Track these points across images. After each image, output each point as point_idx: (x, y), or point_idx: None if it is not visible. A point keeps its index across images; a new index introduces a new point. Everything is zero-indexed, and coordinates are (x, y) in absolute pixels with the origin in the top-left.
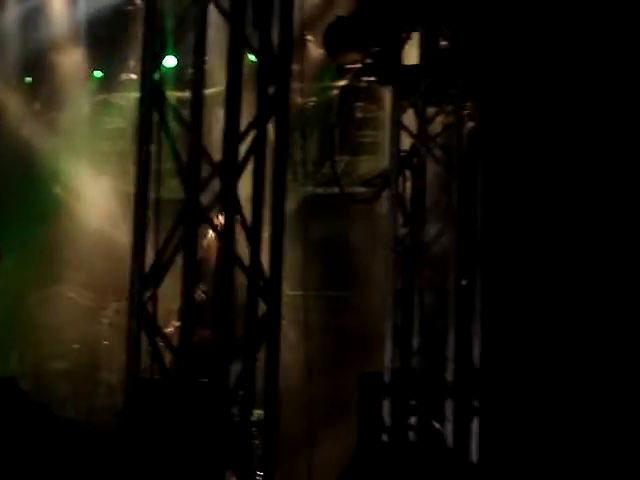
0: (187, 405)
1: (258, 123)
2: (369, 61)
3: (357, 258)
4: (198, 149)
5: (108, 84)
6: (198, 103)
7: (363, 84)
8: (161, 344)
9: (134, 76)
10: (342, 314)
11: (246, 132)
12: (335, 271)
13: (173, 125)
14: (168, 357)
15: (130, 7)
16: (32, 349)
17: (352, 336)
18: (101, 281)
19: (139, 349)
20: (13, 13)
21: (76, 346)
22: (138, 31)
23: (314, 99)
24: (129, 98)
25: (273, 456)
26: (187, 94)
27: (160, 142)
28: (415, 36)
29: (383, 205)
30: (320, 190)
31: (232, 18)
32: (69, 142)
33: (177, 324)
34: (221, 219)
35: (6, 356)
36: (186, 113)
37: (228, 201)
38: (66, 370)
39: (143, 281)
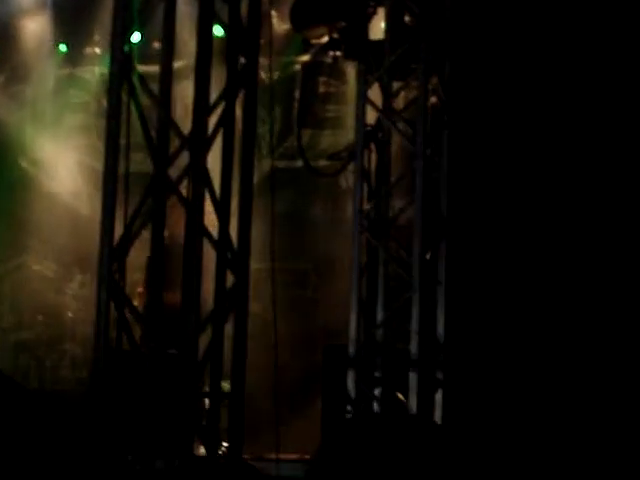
0: (156, 377)
1: (227, 96)
2: (335, 36)
3: (322, 232)
4: (167, 122)
5: (73, 58)
6: (167, 76)
7: (328, 59)
8: (129, 315)
9: (98, 50)
10: (307, 287)
11: (215, 105)
12: (300, 244)
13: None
14: (137, 329)
15: None
16: None
17: (317, 309)
18: (66, 253)
19: (108, 320)
20: None
21: (40, 317)
22: (103, 5)
23: (278, 73)
24: (94, 72)
25: (240, 428)
26: (153, 68)
27: (128, 116)
28: (381, 11)
29: (348, 179)
30: (283, 164)
31: None
32: (34, 115)
33: (140, 289)
34: None
35: None
36: (154, 87)
37: (197, 174)
38: (30, 341)
39: (112, 253)
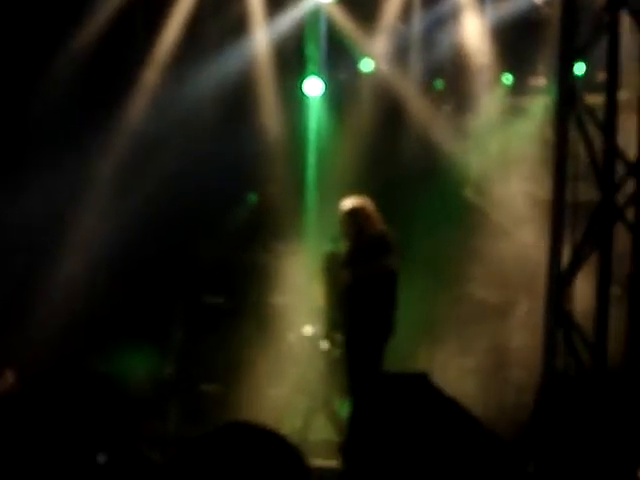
0: (603, 402)
1: None
2: None
3: None
4: (613, 149)
5: (517, 88)
6: (612, 106)
7: None
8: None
9: (543, 80)
10: None
11: None
12: None
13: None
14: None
15: (538, 14)
16: (440, 347)
17: None
18: (510, 281)
19: (555, 346)
20: (422, 19)
21: (484, 344)
22: (548, 35)
23: None
24: (538, 102)
25: None
26: (598, 98)
27: (574, 145)
28: None
29: None
30: None
31: None
32: (478, 146)
33: None
34: None
35: (414, 353)
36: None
37: None
38: (474, 367)
39: (559, 280)
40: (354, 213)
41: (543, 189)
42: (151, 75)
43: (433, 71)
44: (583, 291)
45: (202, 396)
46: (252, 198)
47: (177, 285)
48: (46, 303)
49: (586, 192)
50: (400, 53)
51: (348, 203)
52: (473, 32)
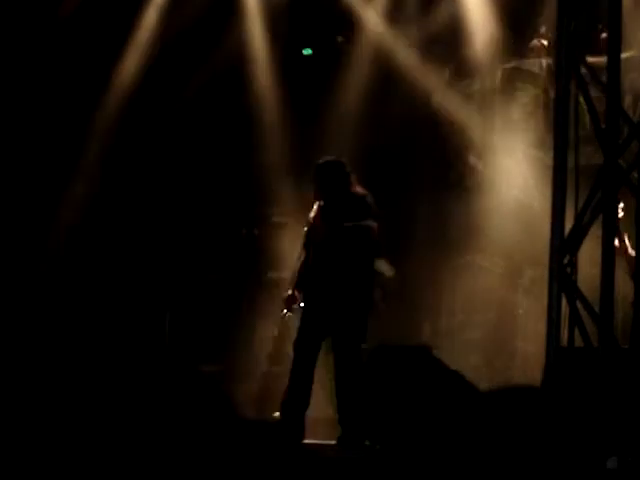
0: (610, 374)
1: None
2: None
3: None
4: (616, 111)
5: (519, 50)
6: (615, 66)
7: None
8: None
9: (545, 42)
10: None
11: None
12: None
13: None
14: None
15: None
16: (446, 319)
17: None
18: (515, 249)
19: (559, 314)
20: None
21: (490, 315)
22: None
23: None
24: (541, 64)
25: None
26: (601, 59)
27: (576, 108)
28: None
29: None
30: None
31: None
32: (481, 111)
33: None
34: None
35: (419, 326)
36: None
37: None
38: (479, 339)
39: (563, 246)
40: (334, 168)
41: (548, 154)
42: None
43: (431, 37)
44: (593, 259)
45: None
46: None
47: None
48: None
49: (590, 157)
50: (397, 19)
51: (326, 159)
52: None
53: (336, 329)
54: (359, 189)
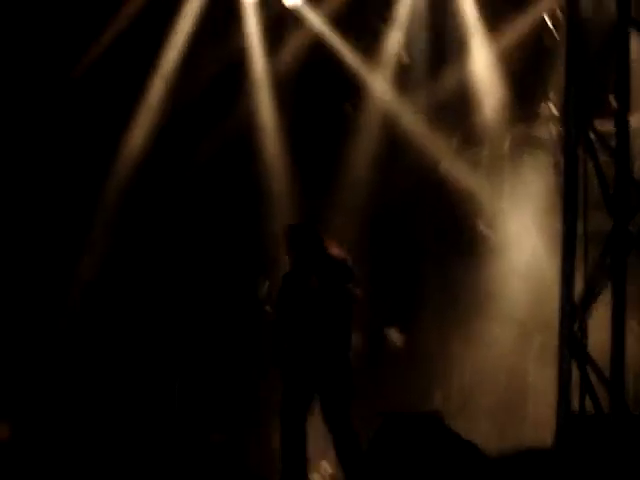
0: (621, 441)
1: None
2: None
3: None
4: (626, 177)
5: (526, 116)
6: (624, 132)
7: None
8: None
9: (553, 108)
10: None
11: None
12: None
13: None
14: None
15: (547, 42)
16: (456, 387)
17: None
18: (525, 315)
19: (570, 379)
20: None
21: (501, 382)
22: (556, 62)
23: None
24: (550, 130)
25: None
26: (609, 125)
27: (585, 174)
28: None
29: None
30: None
31: None
32: (490, 177)
33: None
34: None
35: (431, 395)
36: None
37: None
38: (491, 406)
39: (573, 312)
40: (309, 232)
41: (559, 221)
42: None
43: (439, 104)
44: (602, 326)
45: None
46: None
47: None
48: None
49: (601, 222)
50: (405, 86)
51: (299, 223)
52: (480, 63)
53: (324, 390)
54: (338, 252)
